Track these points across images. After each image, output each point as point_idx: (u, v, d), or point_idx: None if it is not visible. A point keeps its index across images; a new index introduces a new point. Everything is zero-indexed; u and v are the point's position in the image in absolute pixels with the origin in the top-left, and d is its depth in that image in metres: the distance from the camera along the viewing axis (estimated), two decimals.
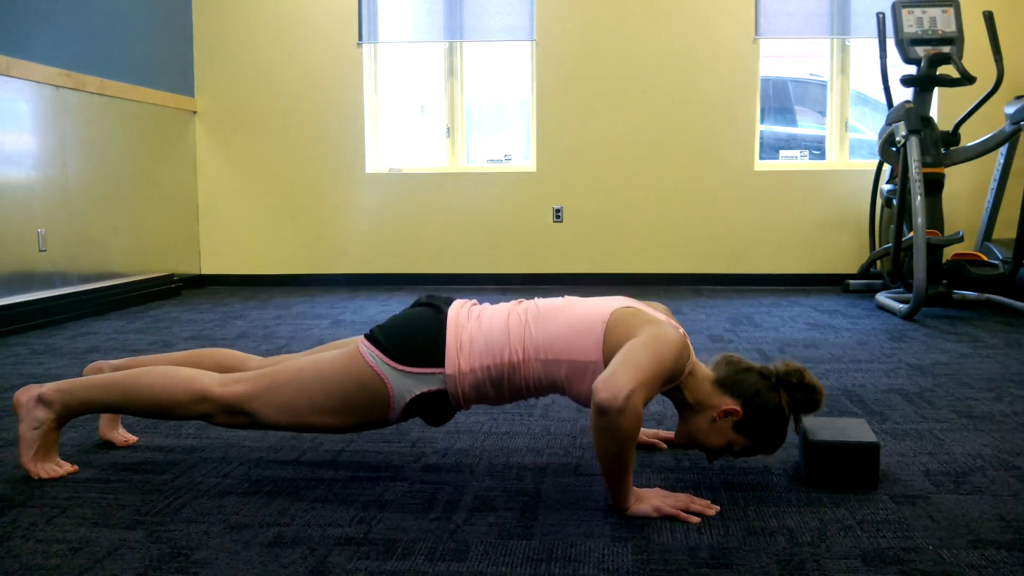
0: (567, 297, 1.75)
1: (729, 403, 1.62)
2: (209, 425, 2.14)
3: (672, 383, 1.63)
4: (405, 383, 1.66)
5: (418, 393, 1.66)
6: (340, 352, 1.72)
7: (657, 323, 1.60)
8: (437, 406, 1.71)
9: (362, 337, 1.73)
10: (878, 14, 4.27)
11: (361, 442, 2.00)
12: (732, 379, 1.64)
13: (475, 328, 1.68)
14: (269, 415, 1.70)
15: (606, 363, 1.59)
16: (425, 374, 1.66)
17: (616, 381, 1.46)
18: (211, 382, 1.72)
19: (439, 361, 1.66)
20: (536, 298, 1.77)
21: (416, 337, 1.67)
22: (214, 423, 1.74)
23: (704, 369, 1.68)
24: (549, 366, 1.65)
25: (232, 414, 1.71)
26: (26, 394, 1.76)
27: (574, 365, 1.63)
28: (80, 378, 1.80)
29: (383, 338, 1.68)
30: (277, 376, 1.71)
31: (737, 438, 1.64)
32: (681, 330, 1.63)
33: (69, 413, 1.76)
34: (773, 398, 1.62)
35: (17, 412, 1.76)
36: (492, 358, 1.66)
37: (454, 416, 1.88)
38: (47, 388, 1.75)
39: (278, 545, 1.43)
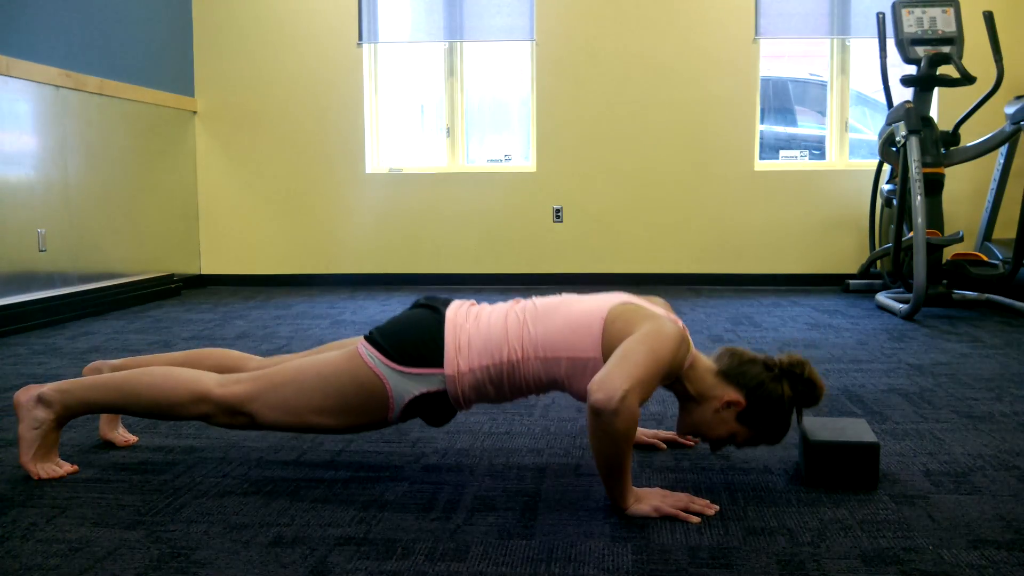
0: (565, 295, 1.75)
1: (732, 394, 1.63)
2: (209, 425, 2.14)
3: (672, 378, 1.63)
4: (404, 384, 1.66)
5: (417, 394, 1.66)
6: (339, 353, 1.72)
7: (655, 318, 1.60)
8: (437, 406, 1.71)
9: (361, 338, 1.73)
10: (878, 14, 4.27)
11: (361, 442, 2.00)
12: (735, 370, 1.64)
13: (473, 328, 1.68)
14: (268, 415, 1.70)
15: (605, 359, 1.59)
16: (424, 375, 1.66)
17: (611, 381, 1.46)
18: (210, 383, 1.72)
19: (438, 362, 1.66)
20: (534, 297, 1.77)
21: (414, 338, 1.67)
22: (213, 423, 1.74)
23: (706, 361, 1.68)
24: (548, 364, 1.65)
25: (232, 414, 1.71)
26: (26, 394, 1.76)
27: (573, 362, 1.64)
28: (80, 378, 1.80)
29: (382, 339, 1.68)
30: (276, 377, 1.71)
31: (740, 429, 1.64)
32: (680, 324, 1.63)
33: (69, 413, 1.76)
34: (776, 389, 1.62)
35: (17, 412, 1.76)
36: (491, 358, 1.66)
37: (455, 416, 1.88)
38: (47, 388, 1.75)
39: (278, 545, 1.43)
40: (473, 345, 1.66)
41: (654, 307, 1.69)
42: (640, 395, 1.49)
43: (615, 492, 1.54)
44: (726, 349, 1.70)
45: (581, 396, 1.67)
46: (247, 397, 1.70)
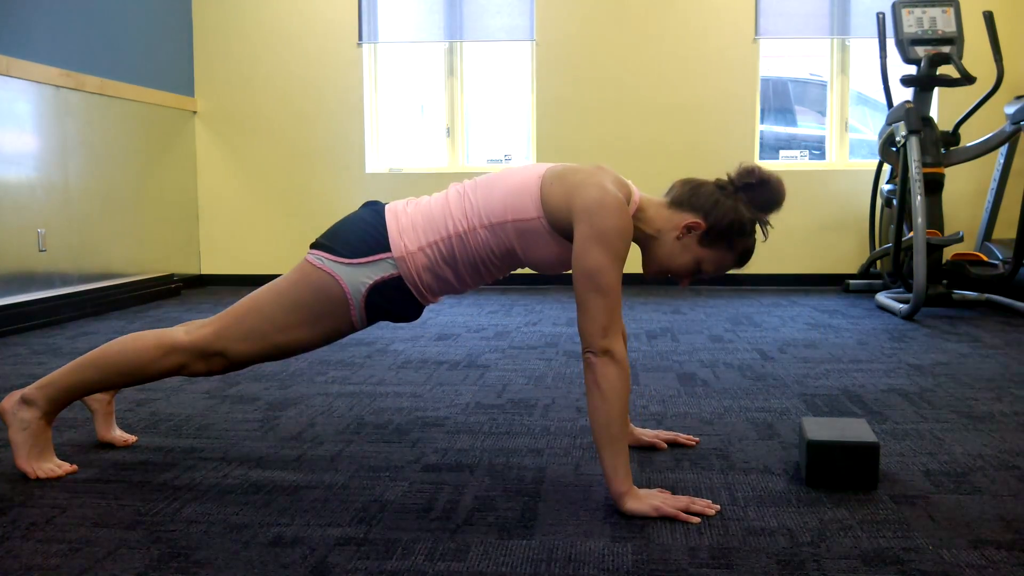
0: (504, 169, 1.76)
1: (689, 218, 1.65)
2: (209, 424, 2.14)
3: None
4: (356, 275, 1.66)
5: (371, 283, 1.66)
6: (291, 270, 1.74)
7: (589, 180, 1.59)
8: (398, 297, 1.70)
9: (309, 249, 1.74)
10: (878, 14, 4.27)
11: (361, 442, 2.00)
12: (687, 195, 1.66)
13: (414, 211, 1.70)
14: (239, 348, 1.71)
15: (549, 221, 1.61)
16: (372, 262, 1.66)
17: (592, 342, 1.54)
18: (176, 333, 1.74)
19: (384, 247, 1.66)
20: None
21: (356, 230, 1.69)
22: (191, 374, 1.75)
23: (654, 198, 1.70)
24: (496, 231, 1.65)
25: (205, 357, 1.72)
26: (9, 400, 1.77)
27: (519, 225, 1.64)
28: (55, 371, 1.80)
29: (325, 240, 1.70)
30: (237, 309, 1.73)
31: (705, 253, 1.67)
32: (608, 183, 1.60)
33: (54, 407, 1.77)
34: (733, 204, 1.64)
35: (4, 419, 1.76)
36: (436, 233, 1.66)
37: (422, 311, 1.86)
38: (28, 389, 1.77)
39: (278, 545, 1.43)
40: (416, 225, 1.67)
41: (588, 168, 1.68)
42: (616, 333, 1.54)
43: (613, 467, 1.54)
44: (676, 181, 1.71)
45: (541, 266, 1.69)
46: (214, 336, 1.71)
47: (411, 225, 1.68)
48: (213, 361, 1.73)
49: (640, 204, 1.68)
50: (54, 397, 1.76)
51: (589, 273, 1.54)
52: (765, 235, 1.72)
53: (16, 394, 1.77)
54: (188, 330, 1.74)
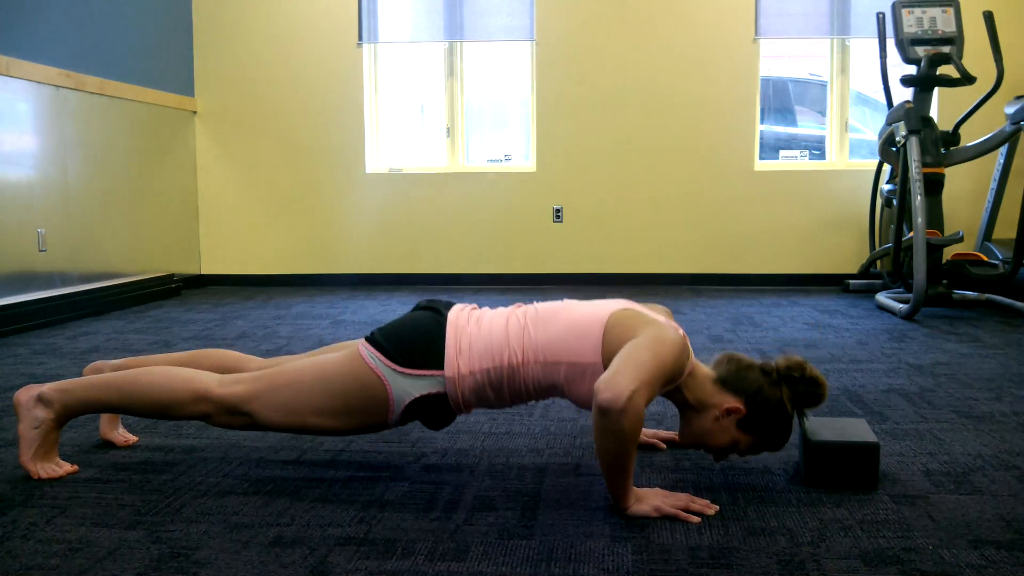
0: (566, 300, 1.75)
1: (731, 401, 1.62)
2: (209, 425, 2.14)
3: (672, 384, 1.63)
4: (404, 385, 1.66)
5: (417, 395, 1.66)
6: (340, 354, 1.72)
7: (656, 324, 1.60)
8: (437, 409, 1.71)
9: (362, 339, 1.73)
10: (878, 14, 4.27)
11: (361, 442, 2.00)
12: (734, 377, 1.64)
13: (475, 331, 1.68)
14: (268, 416, 1.70)
15: (605, 365, 1.59)
16: (424, 376, 1.66)
17: (618, 381, 1.46)
18: (211, 382, 1.72)
19: (438, 363, 1.66)
20: (535, 302, 1.77)
21: (416, 339, 1.68)
22: (213, 423, 1.74)
23: (704, 369, 1.68)
24: (548, 368, 1.65)
25: (231, 414, 1.71)
26: (26, 394, 1.76)
27: (573, 367, 1.63)
28: (80, 378, 1.80)
29: (383, 340, 1.68)
30: (277, 378, 1.71)
31: (742, 436, 1.64)
32: (681, 331, 1.63)
33: (69, 413, 1.76)
34: (775, 394, 1.61)
35: (17, 411, 1.76)
36: (492, 361, 1.66)
37: (454, 420, 1.88)
38: (47, 388, 1.76)
39: (278, 545, 1.43)
40: (474, 348, 1.66)
41: (655, 314, 1.69)
42: (646, 396, 1.49)
43: (617, 491, 1.54)
44: (724, 355, 1.69)
45: (579, 402, 1.67)
46: (247, 397, 1.70)
47: (469, 345, 1.66)
48: (238, 419, 1.72)
49: (692, 370, 1.66)
50: (71, 405, 1.75)
51: (638, 346, 1.53)
52: (802, 427, 1.72)
53: (34, 389, 1.76)
54: (222, 383, 1.72)
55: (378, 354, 1.67)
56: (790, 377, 1.62)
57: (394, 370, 1.66)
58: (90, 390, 1.75)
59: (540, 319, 1.68)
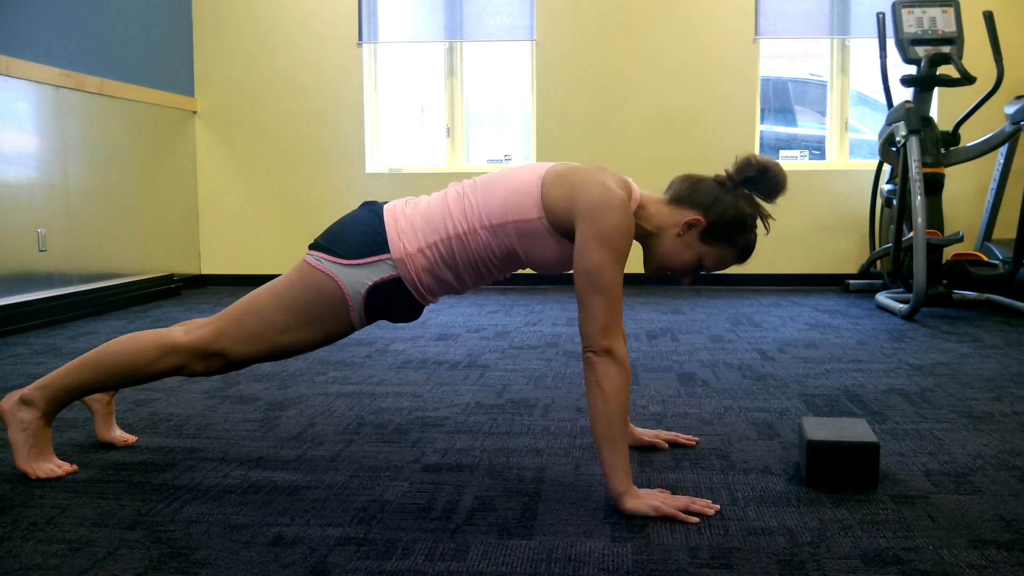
0: (504, 168, 1.75)
1: (690, 214, 1.65)
2: (209, 424, 2.14)
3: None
4: (355, 276, 1.66)
5: (371, 284, 1.66)
6: (291, 270, 1.74)
7: (591, 179, 1.59)
8: (398, 298, 1.70)
9: (307, 250, 1.74)
10: (878, 14, 4.27)
11: (361, 442, 2.01)
12: (687, 192, 1.67)
13: (412, 211, 1.70)
14: (239, 349, 1.71)
15: (550, 219, 1.61)
16: (371, 263, 1.66)
17: (592, 342, 1.53)
18: (175, 333, 1.74)
19: (383, 248, 1.66)
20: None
21: (354, 232, 1.69)
22: (190, 374, 1.75)
23: (654, 195, 1.70)
24: (496, 233, 1.65)
25: (204, 358, 1.72)
26: (8, 401, 1.77)
27: (520, 226, 1.64)
28: (54, 371, 1.80)
29: (323, 240, 1.70)
30: (236, 310, 1.72)
31: (706, 249, 1.67)
32: (611, 182, 1.60)
33: (53, 407, 1.77)
34: (734, 199, 1.64)
35: (4, 419, 1.76)
36: (436, 234, 1.66)
37: (422, 311, 1.86)
38: (26, 389, 1.77)
39: (278, 545, 1.43)
40: (415, 226, 1.67)
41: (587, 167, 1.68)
42: (618, 331, 1.54)
43: (613, 466, 1.54)
44: (675, 178, 1.71)
45: (543, 266, 1.69)
46: (213, 337, 1.70)
47: (410, 226, 1.67)
48: (212, 361, 1.73)
49: (641, 202, 1.68)
50: (52, 398, 1.76)
51: (590, 272, 1.54)
52: (767, 229, 1.72)
53: (15, 394, 1.77)
54: (187, 330, 1.74)
55: (321, 255, 1.68)
56: (746, 178, 1.65)
57: (340, 264, 1.66)
58: (66, 377, 1.76)
59: (479, 187, 1.69)
